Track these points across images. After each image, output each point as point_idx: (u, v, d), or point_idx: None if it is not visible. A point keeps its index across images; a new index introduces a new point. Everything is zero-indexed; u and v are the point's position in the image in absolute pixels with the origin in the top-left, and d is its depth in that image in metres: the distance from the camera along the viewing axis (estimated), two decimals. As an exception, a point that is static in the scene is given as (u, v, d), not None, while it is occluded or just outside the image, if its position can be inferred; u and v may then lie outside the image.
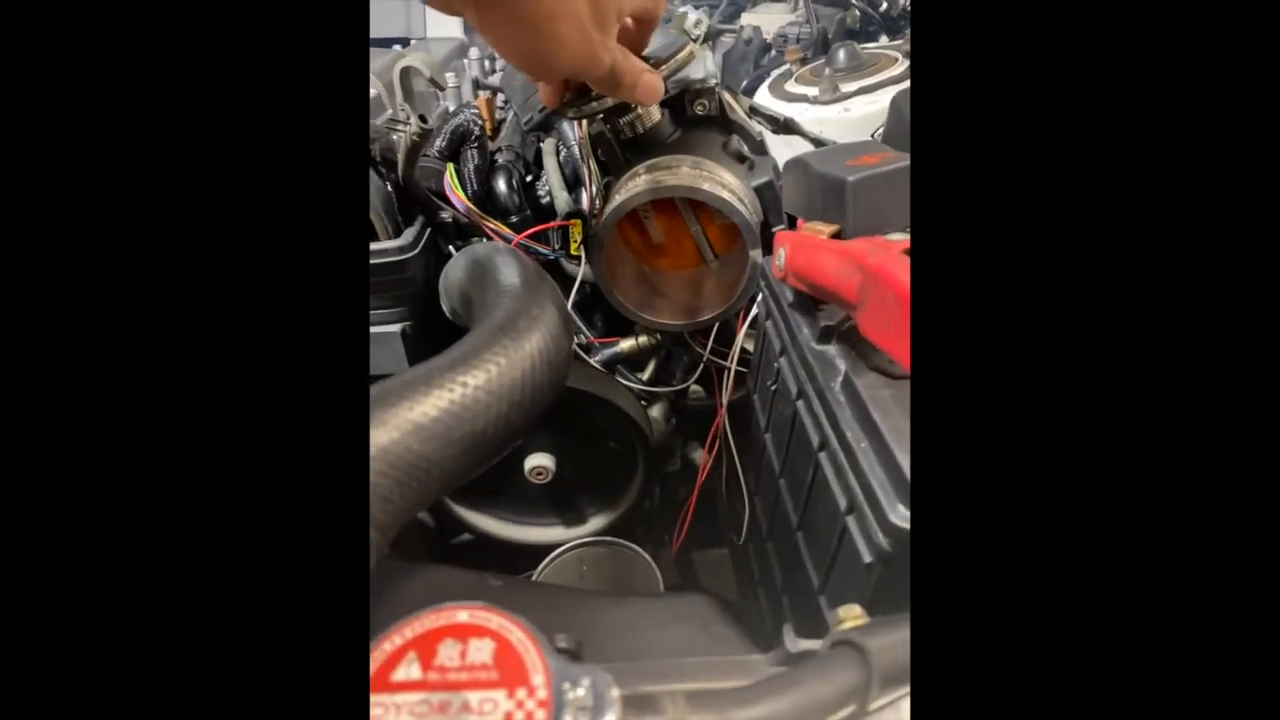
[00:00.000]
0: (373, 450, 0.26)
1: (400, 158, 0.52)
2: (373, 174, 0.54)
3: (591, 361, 0.60)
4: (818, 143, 0.62)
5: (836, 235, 0.33)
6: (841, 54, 0.72)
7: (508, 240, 0.55)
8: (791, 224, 0.40)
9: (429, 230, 0.55)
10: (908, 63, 0.69)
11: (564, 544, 0.60)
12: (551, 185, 0.58)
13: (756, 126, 0.57)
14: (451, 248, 0.58)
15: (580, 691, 0.17)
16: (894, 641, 0.20)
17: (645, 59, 0.42)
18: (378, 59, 0.78)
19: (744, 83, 0.85)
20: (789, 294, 0.39)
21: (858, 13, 0.95)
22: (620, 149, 0.54)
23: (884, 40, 0.91)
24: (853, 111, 0.66)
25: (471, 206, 0.56)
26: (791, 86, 0.74)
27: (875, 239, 0.31)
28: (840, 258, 0.30)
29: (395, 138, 0.56)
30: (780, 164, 0.54)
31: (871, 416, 0.28)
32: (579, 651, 0.20)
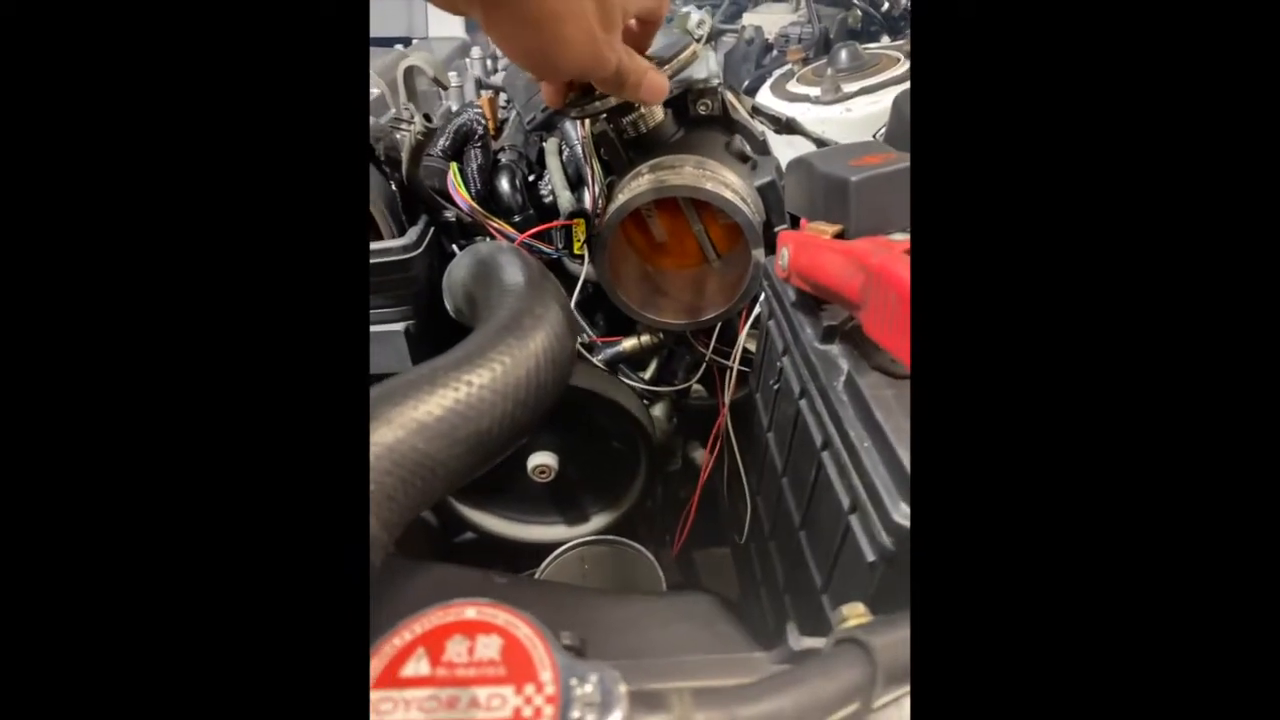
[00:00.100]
0: (378, 448, 0.26)
1: (404, 157, 0.52)
2: (377, 173, 0.54)
3: (594, 360, 0.60)
4: (820, 143, 0.62)
5: (840, 235, 0.33)
6: (843, 54, 0.72)
7: (511, 239, 0.56)
8: (794, 224, 0.40)
9: (432, 229, 0.56)
10: (909, 63, 0.69)
11: (566, 542, 0.61)
12: (554, 184, 0.58)
13: (759, 126, 0.57)
14: (455, 247, 0.58)
15: (588, 687, 0.17)
16: (898, 639, 0.20)
17: (648, 59, 0.43)
18: (381, 58, 0.78)
19: (745, 82, 0.85)
20: (792, 294, 0.39)
21: (859, 13, 0.95)
22: (623, 148, 0.54)
23: (886, 40, 0.91)
24: (854, 112, 0.67)
25: (475, 206, 0.56)
26: (793, 86, 0.74)
27: (878, 239, 0.31)
28: (843, 257, 0.30)
29: (399, 137, 0.56)
30: (782, 164, 0.54)
31: (874, 416, 0.28)
32: (583, 649, 0.20)
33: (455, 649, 0.17)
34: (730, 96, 0.56)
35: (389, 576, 0.35)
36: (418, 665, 0.17)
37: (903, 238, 0.31)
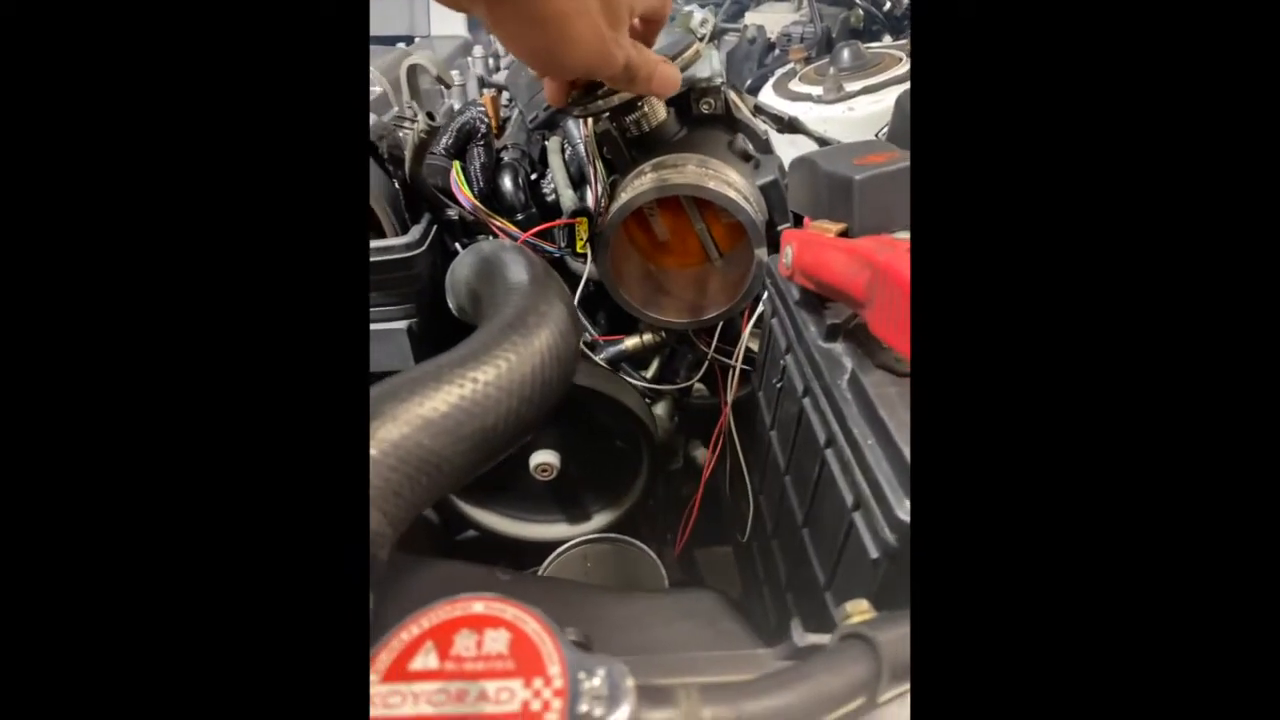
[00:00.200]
0: (384, 445, 0.27)
1: (408, 155, 0.52)
2: (380, 171, 0.54)
3: (596, 359, 0.60)
4: (822, 142, 0.62)
5: (844, 233, 0.33)
6: (845, 53, 0.72)
7: (514, 238, 0.56)
8: (798, 222, 0.40)
9: (435, 227, 0.56)
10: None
11: (568, 540, 0.61)
12: (557, 183, 0.58)
13: (761, 125, 0.57)
14: (458, 245, 0.58)
15: (595, 681, 0.17)
16: (902, 635, 0.20)
17: None
18: (383, 57, 0.78)
19: (748, 81, 0.85)
20: (795, 292, 0.39)
21: (861, 12, 0.95)
22: (626, 147, 0.54)
23: (888, 40, 0.91)
24: (857, 111, 0.67)
25: (478, 204, 0.56)
26: (795, 85, 0.74)
27: (882, 237, 0.31)
28: (848, 255, 0.31)
29: (402, 135, 0.56)
30: (785, 163, 0.54)
31: (878, 413, 0.28)
32: (590, 644, 0.20)
33: (463, 643, 0.17)
34: (733, 95, 0.56)
35: (394, 572, 0.35)
36: (426, 659, 0.17)
37: (906, 236, 0.31)
